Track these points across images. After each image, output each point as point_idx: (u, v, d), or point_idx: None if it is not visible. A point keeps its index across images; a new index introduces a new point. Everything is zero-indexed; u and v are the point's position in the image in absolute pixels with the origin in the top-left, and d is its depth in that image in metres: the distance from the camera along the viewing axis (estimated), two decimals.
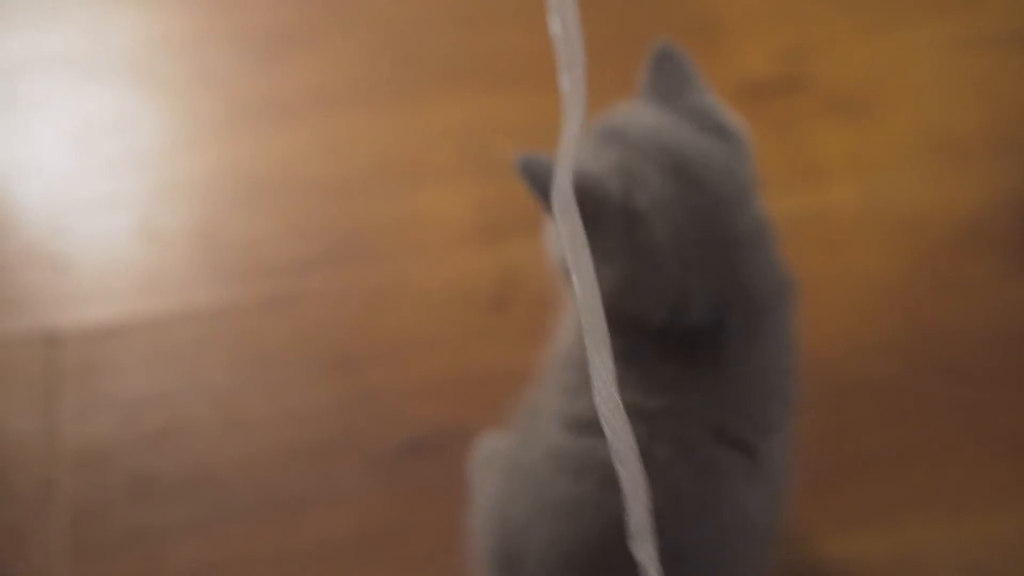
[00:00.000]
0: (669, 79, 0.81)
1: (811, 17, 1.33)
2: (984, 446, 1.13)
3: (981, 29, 1.31)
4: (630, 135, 0.78)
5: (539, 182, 0.74)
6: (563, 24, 0.48)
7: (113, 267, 1.25)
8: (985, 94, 1.28)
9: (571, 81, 0.47)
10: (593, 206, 0.72)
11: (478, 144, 1.28)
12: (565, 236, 0.47)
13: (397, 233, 1.24)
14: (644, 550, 0.53)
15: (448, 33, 1.34)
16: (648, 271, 0.77)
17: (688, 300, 0.77)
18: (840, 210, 1.22)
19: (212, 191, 1.28)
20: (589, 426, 0.76)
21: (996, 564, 1.07)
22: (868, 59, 1.31)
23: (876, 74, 1.30)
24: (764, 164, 1.24)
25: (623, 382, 0.49)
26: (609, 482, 0.59)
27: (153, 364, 1.20)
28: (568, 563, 0.78)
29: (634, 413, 0.52)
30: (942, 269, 1.20)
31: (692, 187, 0.77)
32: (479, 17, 1.35)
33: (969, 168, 1.24)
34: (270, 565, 1.10)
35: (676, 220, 0.76)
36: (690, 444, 0.77)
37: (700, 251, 0.76)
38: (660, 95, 0.82)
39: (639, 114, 0.81)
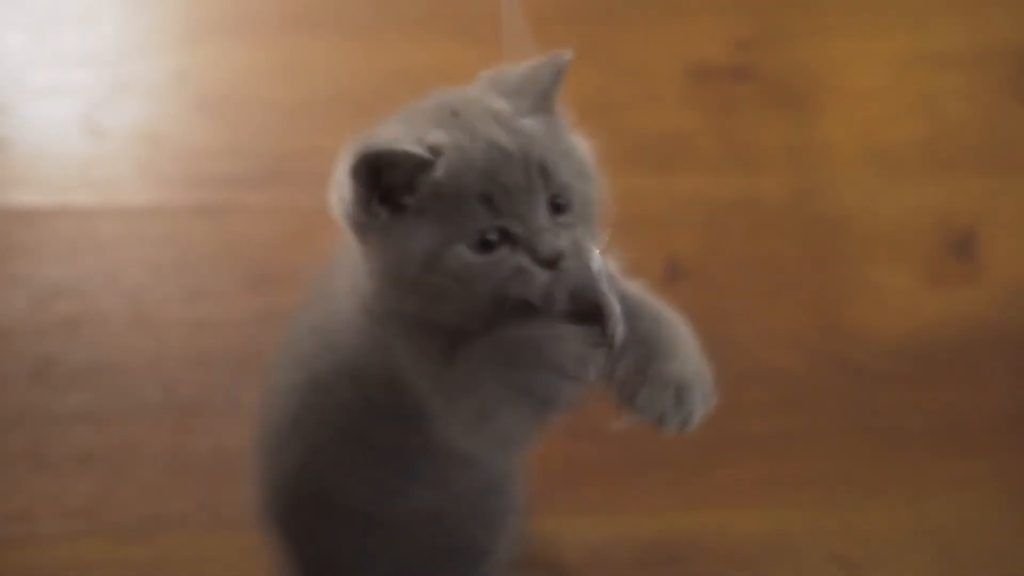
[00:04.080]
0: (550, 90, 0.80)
1: (770, 11, 1.35)
2: (865, 441, 1.18)
3: (933, 47, 1.34)
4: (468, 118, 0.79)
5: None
6: None
7: (50, 154, 1.24)
8: (929, 110, 1.31)
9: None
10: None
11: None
12: None
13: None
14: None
15: None
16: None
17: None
18: (769, 199, 1.25)
19: (164, 95, 1.27)
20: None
21: (859, 555, 1.11)
22: (818, 59, 1.33)
23: (824, 74, 1.32)
24: (705, 146, 1.27)
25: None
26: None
27: (74, 253, 1.19)
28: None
29: None
30: (859, 271, 1.24)
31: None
32: None
33: (901, 179, 1.28)
34: (158, 461, 1.13)
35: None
36: None
37: None
38: (535, 98, 0.80)
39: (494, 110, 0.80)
